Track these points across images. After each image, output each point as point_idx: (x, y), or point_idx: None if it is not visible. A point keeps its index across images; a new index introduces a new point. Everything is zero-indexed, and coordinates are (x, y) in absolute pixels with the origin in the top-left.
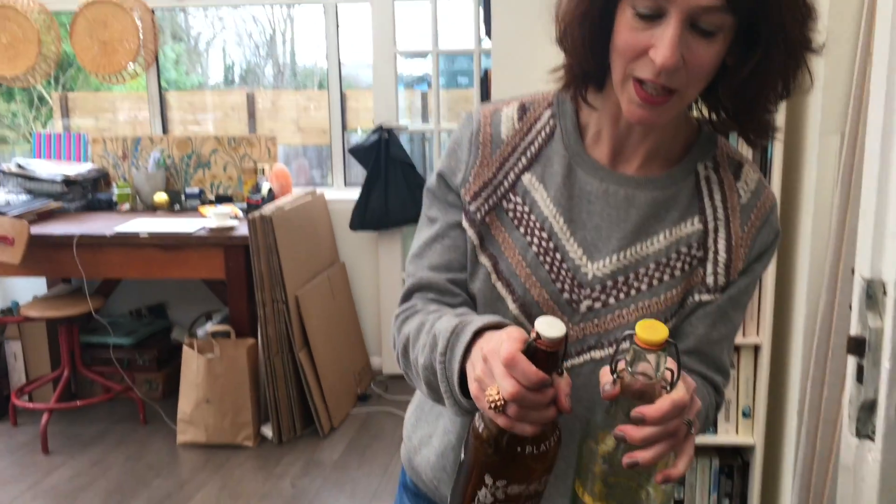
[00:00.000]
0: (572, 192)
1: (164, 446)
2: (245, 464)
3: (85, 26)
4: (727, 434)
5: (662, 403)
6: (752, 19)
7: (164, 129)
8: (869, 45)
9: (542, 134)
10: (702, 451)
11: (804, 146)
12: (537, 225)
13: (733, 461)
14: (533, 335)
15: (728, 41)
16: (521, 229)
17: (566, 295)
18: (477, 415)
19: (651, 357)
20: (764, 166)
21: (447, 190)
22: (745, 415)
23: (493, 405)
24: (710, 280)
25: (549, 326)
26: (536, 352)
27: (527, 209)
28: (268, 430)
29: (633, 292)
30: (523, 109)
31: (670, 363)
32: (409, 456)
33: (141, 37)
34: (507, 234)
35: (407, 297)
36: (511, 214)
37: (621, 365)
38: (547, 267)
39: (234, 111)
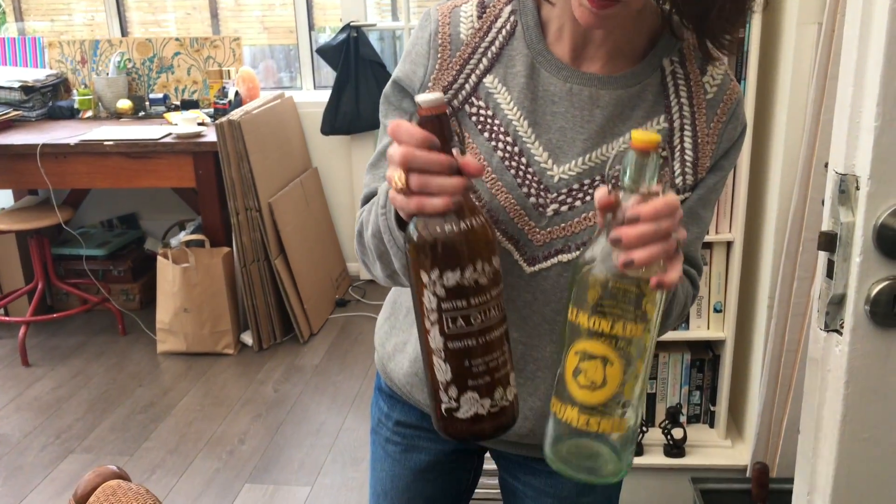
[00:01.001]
0: (535, 93)
1: (144, 356)
2: (226, 371)
3: None
4: (699, 329)
5: (656, 202)
6: None
7: (123, 32)
8: None
9: (503, 32)
10: (673, 345)
11: (780, 36)
12: (501, 129)
13: (704, 355)
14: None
15: None
16: (486, 134)
17: (532, 199)
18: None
19: (646, 160)
20: (739, 57)
21: (402, 96)
22: (716, 310)
23: (397, 188)
24: (678, 180)
25: (428, 96)
26: (421, 122)
27: (490, 113)
28: (248, 338)
29: None
30: (482, 6)
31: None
32: (383, 362)
33: None
34: (470, 139)
35: (363, 204)
36: (474, 119)
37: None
38: (512, 171)
39: (195, 10)
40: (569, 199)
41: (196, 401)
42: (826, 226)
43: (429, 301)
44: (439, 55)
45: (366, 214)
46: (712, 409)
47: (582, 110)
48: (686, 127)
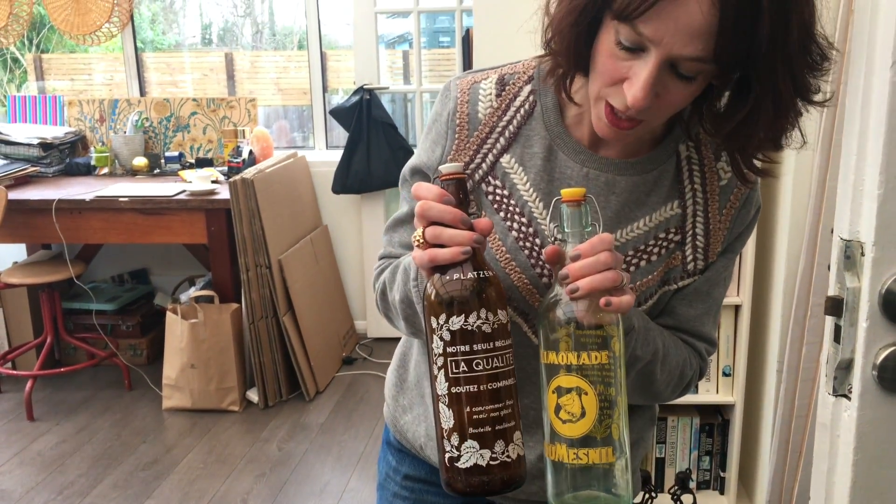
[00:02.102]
0: (552, 175)
1: (149, 412)
2: (231, 428)
3: None
4: (708, 393)
5: (592, 239)
6: (741, 71)
7: (142, 91)
8: (850, 9)
9: (521, 111)
10: (683, 409)
11: None
12: (517, 209)
13: (714, 419)
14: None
15: (707, 80)
16: (501, 213)
17: (545, 279)
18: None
19: (578, 210)
20: None
21: (420, 179)
22: (725, 374)
23: (416, 243)
24: (689, 266)
25: (448, 165)
26: (441, 185)
27: (506, 193)
28: (253, 395)
29: None
30: (502, 83)
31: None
32: (394, 416)
33: None
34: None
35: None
36: (490, 198)
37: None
38: (526, 252)
39: (212, 72)
40: None
41: (200, 458)
42: (832, 291)
43: (436, 346)
44: (457, 135)
45: (388, 276)
46: (722, 474)
47: (598, 196)
48: (699, 213)
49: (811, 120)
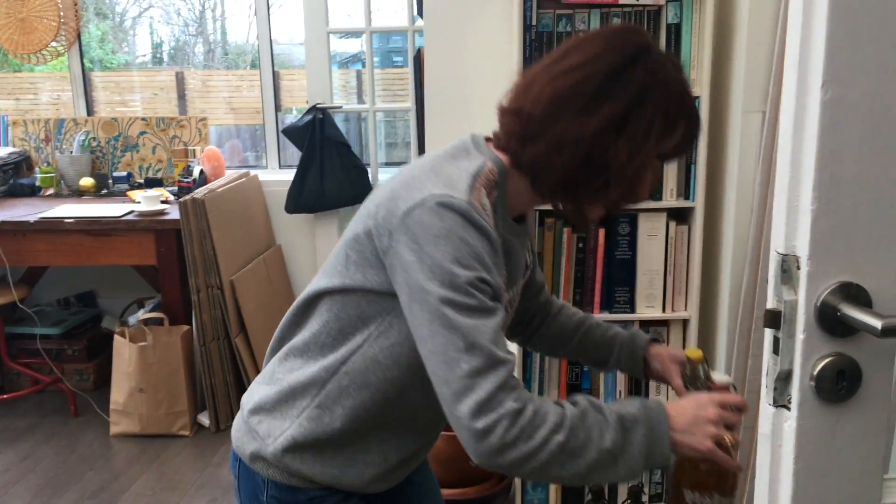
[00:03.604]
0: (509, 256)
1: (96, 438)
2: (182, 453)
3: (1, 2)
4: None
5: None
6: None
7: (90, 111)
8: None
9: (493, 213)
10: None
11: (727, 123)
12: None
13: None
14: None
15: None
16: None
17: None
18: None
19: (699, 367)
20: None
21: (490, 297)
22: None
23: (728, 444)
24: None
25: (723, 377)
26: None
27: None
28: (205, 419)
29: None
30: (489, 197)
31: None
32: (336, 475)
33: (62, 13)
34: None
35: (515, 383)
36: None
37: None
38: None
39: (162, 91)
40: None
41: (148, 485)
42: (770, 304)
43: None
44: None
45: (602, 421)
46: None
47: (520, 257)
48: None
49: (753, 135)
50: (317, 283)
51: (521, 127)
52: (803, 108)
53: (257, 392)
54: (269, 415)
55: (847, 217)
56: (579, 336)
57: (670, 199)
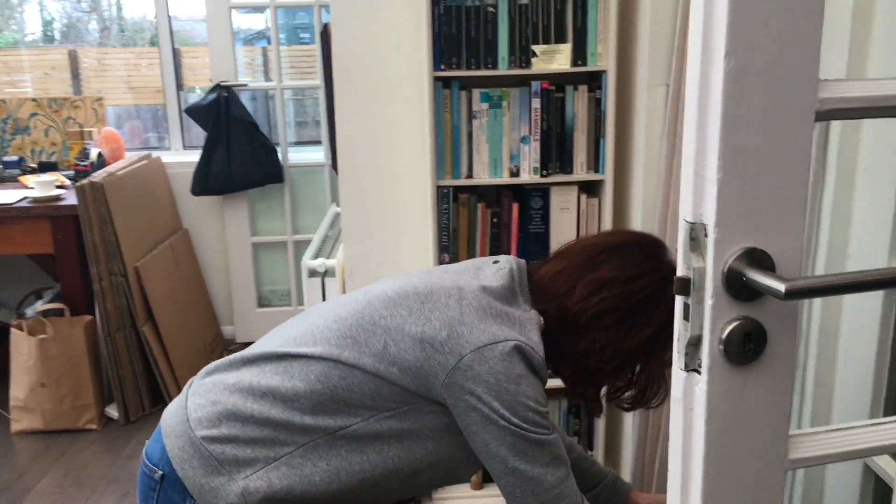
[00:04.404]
0: None
1: None
2: (90, 448)
3: None
4: None
5: None
6: None
7: None
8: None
9: None
10: (552, 393)
11: (633, 97)
12: None
13: (581, 402)
14: None
15: None
16: None
17: None
18: None
19: None
20: (598, 118)
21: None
22: None
23: None
24: None
25: None
26: None
27: None
28: (113, 411)
29: None
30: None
31: None
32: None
33: None
34: None
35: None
36: None
37: None
38: None
39: (55, 71)
40: None
41: (55, 482)
42: (680, 272)
43: None
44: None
45: None
46: (590, 454)
47: None
48: None
49: (658, 108)
50: (328, 348)
51: (562, 321)
52: (707, 79)
53: (213, 417)
54: (238, 447)
55: (751, 185)
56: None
57: (581, 173)
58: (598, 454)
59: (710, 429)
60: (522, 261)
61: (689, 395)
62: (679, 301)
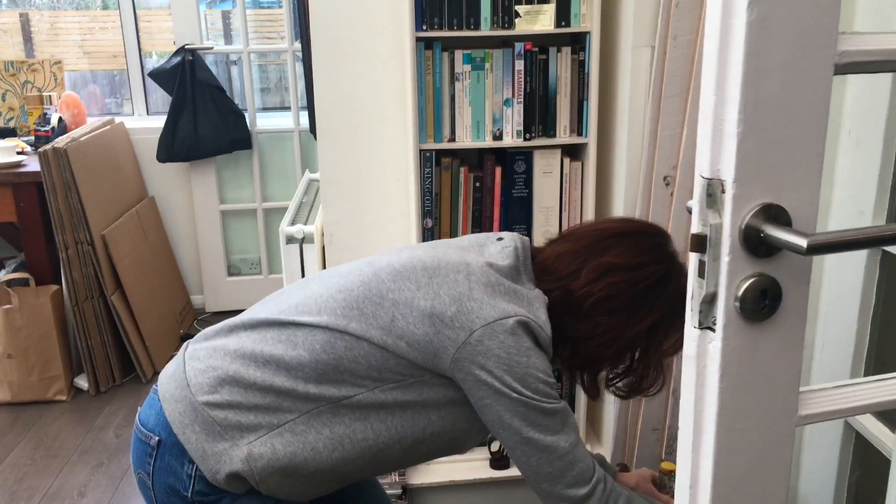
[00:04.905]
0: None
1: None
2: (60, 419)
3: None
4: None
5: None
6: None
7: None
8: None
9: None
10: None
11: (617, 59)
12: None
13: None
14: None
15: None
16: None
17: None
18: None
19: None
20: (581, 81)
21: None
22: None
23: None
24: None
25: None
26: None
27: None
28: (83, 381)
29: None
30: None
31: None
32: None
33: None
34: None
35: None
36: None
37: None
38: None
39: (6, 34)
40: None
41: (26, 454)
42: (696, 229)
43: None
44: None
45: None
46: None
47: None
48: None
49: (642, 70)
50: (334, 318)
51: (565, 303)
52: (728, 30)
53: (214, 382)
54: (240, 413)
55: (770, 139)
56: None
57: (564, 136)
58: (580, 418)
59: (723, 386)
60: (526, 238)
61: (703, 352)
62: (693, 258)
